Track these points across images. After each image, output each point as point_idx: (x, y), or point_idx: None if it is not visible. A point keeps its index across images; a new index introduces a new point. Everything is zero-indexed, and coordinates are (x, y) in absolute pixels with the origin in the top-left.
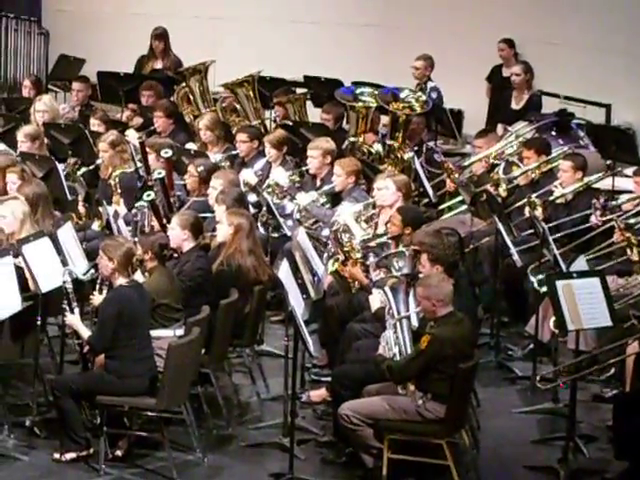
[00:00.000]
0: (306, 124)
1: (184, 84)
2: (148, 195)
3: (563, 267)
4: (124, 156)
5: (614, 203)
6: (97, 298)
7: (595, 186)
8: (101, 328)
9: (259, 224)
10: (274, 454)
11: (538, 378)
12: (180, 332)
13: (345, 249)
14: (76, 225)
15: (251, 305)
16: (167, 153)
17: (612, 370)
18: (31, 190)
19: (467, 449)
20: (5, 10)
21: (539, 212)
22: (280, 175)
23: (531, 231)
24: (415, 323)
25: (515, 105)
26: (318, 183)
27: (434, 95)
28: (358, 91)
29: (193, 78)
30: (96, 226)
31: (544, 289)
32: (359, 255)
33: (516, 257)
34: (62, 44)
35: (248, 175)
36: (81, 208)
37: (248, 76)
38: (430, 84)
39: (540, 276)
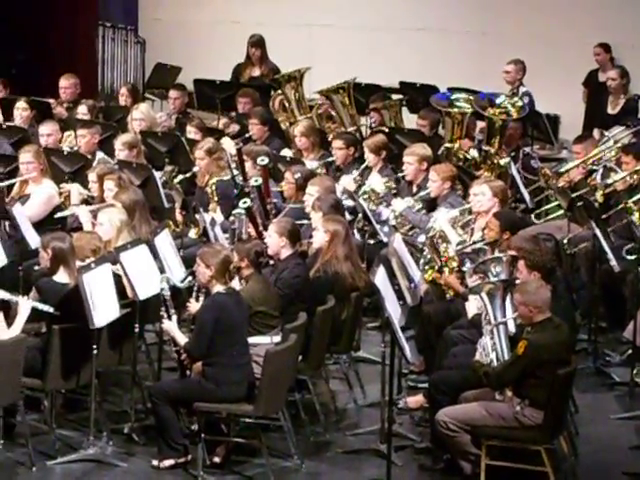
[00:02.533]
0: (402, 130)
1: (279, 91)
2: (245, 202)
3: None
4: (221, 164)
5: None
6: (194, 305)
7: None
8: (198, 335)
9: (355, 230)
10: (371, 460)
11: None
12: (277, 339)
13: (441, 257)
14: (173, 233)
15: (348, 311)
16: (263, 160)
17: None
18: (128, 197)
19: (565, 455)
20: (102, 19)
21: (636, 217)
22: (376, 181)
23: None
24: (512, 329)
25: (611, 110)
26: (414, 189)
27: (526, 100)
28: (454, 97)
29: (288, 85)
30: (193, 234)
31: None
32: (455, 264)
33: (614, 262)
34: (158, 52)
35: (347, 181)
36: (178, 216)
37: (344, 83)
38: (522, 89)
39: None
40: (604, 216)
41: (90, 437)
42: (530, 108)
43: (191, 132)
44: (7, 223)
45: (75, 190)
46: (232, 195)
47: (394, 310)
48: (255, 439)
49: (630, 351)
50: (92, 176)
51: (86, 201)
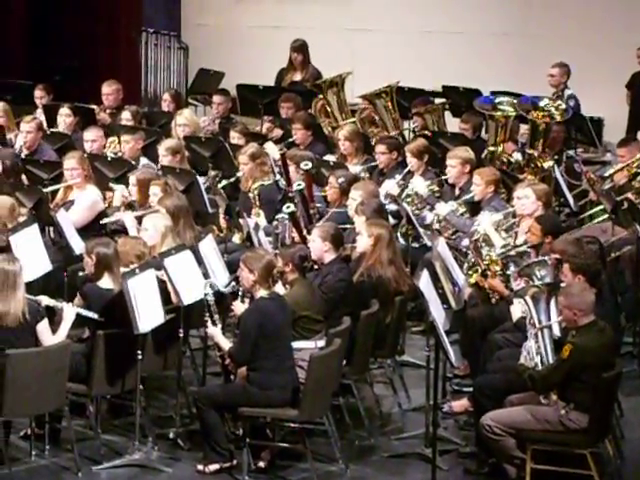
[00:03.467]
0: (445, 134)
1: (321, 96)
2: (288, 207)
3: None
4: (264, 168)
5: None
6: (240, 306)
7: None
8: (242, 340)
9: (399, 234)
10: (416, 465)
11: None
12: (321, 343)
13: (485, 262)
14: (217, 238)
15: (392, 316)
16: (307, 165)
17: None
18: (172, 203)
19: (611, 459)
20: (146, 25)
21: None
22: (419, 185)
23: None
24: (557, 332)
25: None
26: (457, 192)
27: (572, 103)
28: (497, 100)
29: (330, 90)
30: (237, 238)
31: None
32: (498, 268)
33: None
34: (201, 58)
35: (390, 185)
36: (222, 221)
37: (386, 87)
38: (567, 92)
39: None
40: None
41: (135, 442)
42: (576, 111)
43: (234, 137)
44: (52, 229)
45: (119, 192)
46: (275, 200)
47: (438, 314)
48: (299, 444)
49: None
50: (132, 179)
51: (128, 204)
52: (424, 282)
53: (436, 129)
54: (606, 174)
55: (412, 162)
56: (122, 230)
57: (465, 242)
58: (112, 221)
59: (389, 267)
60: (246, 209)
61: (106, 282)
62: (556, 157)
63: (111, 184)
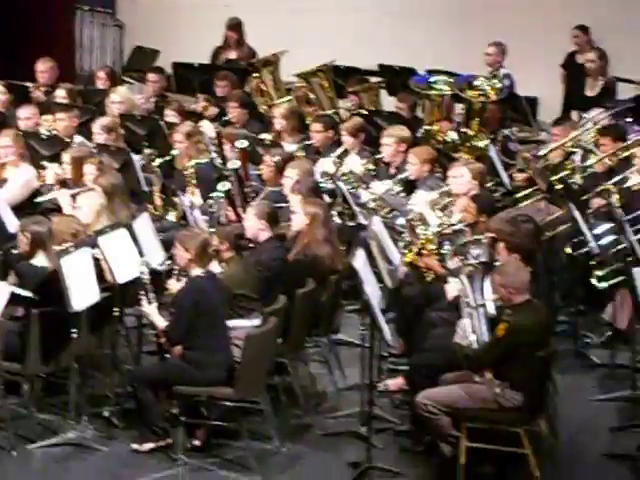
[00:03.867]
0: (380, 113)
1: (256, 75)
2: (224, 185)
3: None
4: (199, 147)
5: None
6: (174, 286)
7: None
8: (177, 319)
9: (334, 213)
10: (352, 443)
11: None
12: (257, 322)
13: (420, 240)
14: (152, 216)
15: (327, 294)
16: (242, 143)
17: None
18: (107, 181)
19: (545, 437)
20: (80, 2)
21: (615, 199)
22: (355, 163)
23: None
24: (492, 311)
25: (590, 92)
26: (392, 171)
27: (507, 82)
28: (433, 79)
29: (265, 69)
30: (172, 217)
31: (603, 284)
32: (433, 246)
33: (593, 244)
34: (137, 36)
35: (326, 164)
36: (157, 199)
37: (322, 65)
38: (503, 71)
39: (600, 272)
40: (583, 198)
41: (70, 421)
42: (511, 90)
43: (170, 115)
44: None
45: (52, 170)
46: (211, 178)
47: (374, 293)
48: (235, 422)
49: (609, 333)
50: (66, 157)
51: (62, 182)
52: (359, 261)
53: (372, 108)
54: (540, 153)
55: (348, 141)
56: (56, 209)
57: (400, 221)
58: (47, 199)
59: (325, 246)
60: (181, 187)
61: (40, 260)
62: (491, 136)
63: (44, 162)
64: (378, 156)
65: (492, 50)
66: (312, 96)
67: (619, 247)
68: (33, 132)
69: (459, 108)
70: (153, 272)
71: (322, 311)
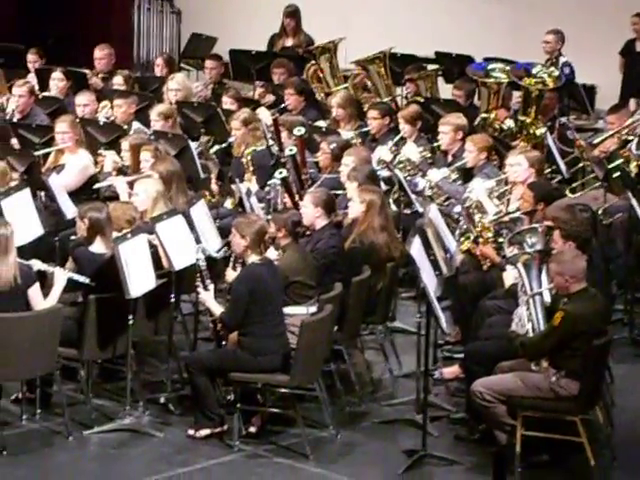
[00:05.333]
0: (437, 100)
1: (314, 62)
2: (280, 172)
3: None
4: (256, 134)
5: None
6: (231, 274)
7: None
8: (234, 305)
9: (391, 201)
10: (407, 431)
11: None
12: (313, 309)
13: (477, 228)
14: (209, 203)
15: (383, 282)
16: (299, 131)
17: None
18: (165, 168)
19: (601, 426)
20: None
21: None
22: (412, 151)
23: None
24: (548, 299)
25: None
26: (449, 159)
27: (567, 70)
28: (490, 67)
29: (322, 56)
30: (229, 204)
31: None
32: (490, 234)
33: None
34: (194, 23)
35: (383, 152)
36: (214, 186)
37: (379, 53)
38: (562, 59)
39: None
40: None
41: (126, 407)
42: (571, 78)
43: (227, 102)
44: (43, 193)
45: (110, 158)
46: (268, 165)
47: (430, 280)
48: (290, 409)
49: None
50: (125, 145)
51: (120, 170)
52: (416, 248)
53: (429, 95)
54: (596, 141)
55: (405, 128)
56: (114, 196)
57: (457, 209)
58: (104, 186)
59: (381, 233)
60: (238, 174)
61: (98, 246)
62: (549, 124)
63: (100, 151)
64: (435, 144)
65: (551, 38)
66: (369, 83)
67: None
68: (91, 119)
69: (516, 96)
70: (209, 259)
71: (378, 298)
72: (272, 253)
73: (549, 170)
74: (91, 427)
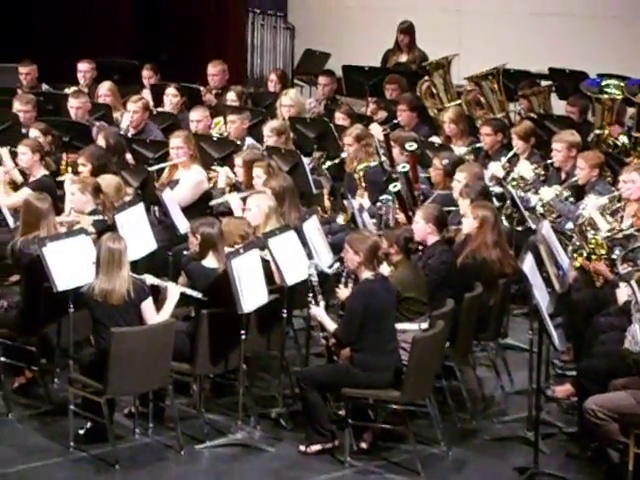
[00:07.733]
0: (551, 117)
1: (427, 78)
2: (394, 186)
3: None
4: (369, 150)
5: None
6: (343, 292)
7: None
8: (348, 321)
9: (503, 217)
10: (518, 448)
11: None
12: (425, 325)
13: (590, 245)
14: (321, 219)
15: (495, 298)
16: (411, 146)
17: None
18: (278, 184)
19: None
20: (252, 6)
21: None
22: (525, 168)
23: None
24: None
25: None
26: (563, 176)
27: None
28: (604, 83)
29: (436, 72)
30: (341, 219)
31: None
32: (604, 251)
33: None
34: (308, 38)
35: (496, 168)
36: (326, 202)
37: (493, 69)
38: None
39: None
40: None
41: (238, 422)
42: None
43: (339, 118)
44: (157, 208)
45: (223, 174)
46: (380, 181)
47: (542, 297)
48: (402, 425)
49: None
50: (238, 160)
51: (233, 185)
52: (528, 265)
53: (542, 112)
54: None
55: (518, 145)
56: (228, 212)
57: (569, 225)
58: (219, 202)
59: (494, 249)
60: (350, 190)
61: (210, 261)
62: None
63: (214, 167)
64: (549, 161)
65: None
66: (482, 99)
67: None
68: (204, 134)
69: (630, 112)
70: (321, 274)
71: (490, 315)
72: (385, 269)
73: None
74: (203, 441)
